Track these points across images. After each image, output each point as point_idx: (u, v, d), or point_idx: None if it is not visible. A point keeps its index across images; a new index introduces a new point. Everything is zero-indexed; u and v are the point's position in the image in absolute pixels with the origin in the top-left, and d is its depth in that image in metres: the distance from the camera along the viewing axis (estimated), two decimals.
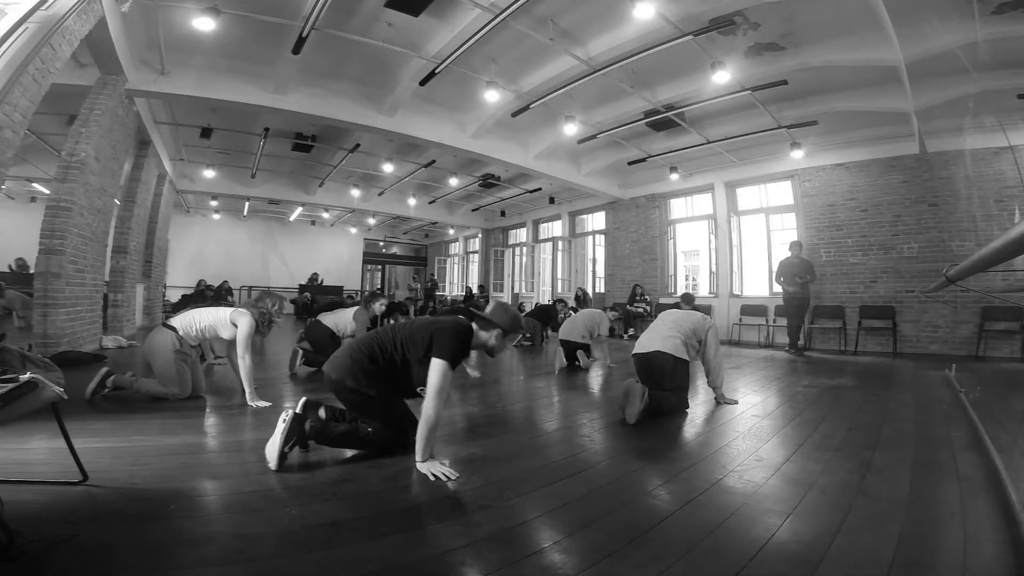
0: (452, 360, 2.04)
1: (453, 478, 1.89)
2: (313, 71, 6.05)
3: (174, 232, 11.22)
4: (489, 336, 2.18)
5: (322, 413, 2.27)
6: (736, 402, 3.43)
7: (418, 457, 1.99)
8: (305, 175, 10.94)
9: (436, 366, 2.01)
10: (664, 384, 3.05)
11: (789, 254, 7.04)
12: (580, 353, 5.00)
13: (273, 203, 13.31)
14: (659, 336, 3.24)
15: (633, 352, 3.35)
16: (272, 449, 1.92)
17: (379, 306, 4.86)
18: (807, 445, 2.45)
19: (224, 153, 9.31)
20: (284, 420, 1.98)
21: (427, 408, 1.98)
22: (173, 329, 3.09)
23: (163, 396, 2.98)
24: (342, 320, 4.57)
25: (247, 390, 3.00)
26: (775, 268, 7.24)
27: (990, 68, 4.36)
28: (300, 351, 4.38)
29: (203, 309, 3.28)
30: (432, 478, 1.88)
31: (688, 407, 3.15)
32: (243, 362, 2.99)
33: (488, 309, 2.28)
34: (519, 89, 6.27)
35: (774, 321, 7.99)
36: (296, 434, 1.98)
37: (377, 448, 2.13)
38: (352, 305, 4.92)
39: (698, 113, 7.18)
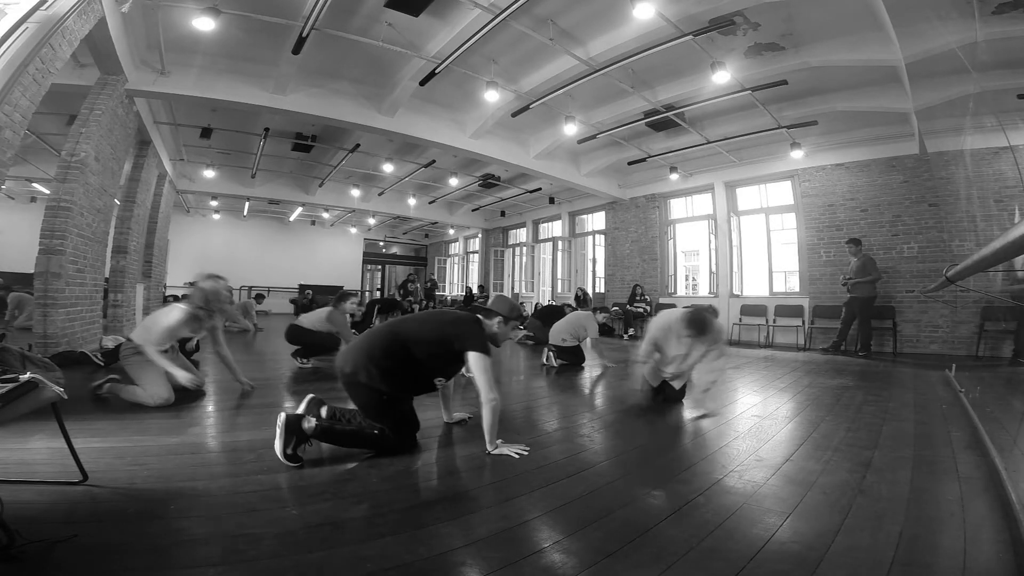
0: (486, 349, 2.20)
1: (526, 452, 2.19)
2: (313, 71, 6.05)
3: (174, 232, 11.21)
4: (492, 324, 2.36)
5: (324, 412, 2.27)
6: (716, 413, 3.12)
7: (489, 446, 2.19)
8: (305, 175, 10.94)
9: (477, 359, 2.15)
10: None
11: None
12: (550, 354, 5.05)
13: (273, 203, 13.29)
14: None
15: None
16: (278, 453, 1.97)
17: (351, 305, 4.71)
18: (807, 445, 2.45)
19: (224, 153, 9.30)
20: (280, 425, 1.99)
21: (486, 400, 2.14)
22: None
23: (142, 403, 2.80)
24: (315, 320, 4.55)
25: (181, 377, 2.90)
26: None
27: (990, 68, 4.36)
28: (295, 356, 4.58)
29: (153, 314, 3.21)
30: (515, 456, 2.15)
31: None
32: (159, 358, 2.86)
33: (489, 301, 2.49)
34: (519, 89, 6.27)
35: (774, 321, 8.00)
36: (295, 435, 1.98)
37: (380, 449, 2.14)
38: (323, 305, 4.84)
39: (698, 113, 7.18)
